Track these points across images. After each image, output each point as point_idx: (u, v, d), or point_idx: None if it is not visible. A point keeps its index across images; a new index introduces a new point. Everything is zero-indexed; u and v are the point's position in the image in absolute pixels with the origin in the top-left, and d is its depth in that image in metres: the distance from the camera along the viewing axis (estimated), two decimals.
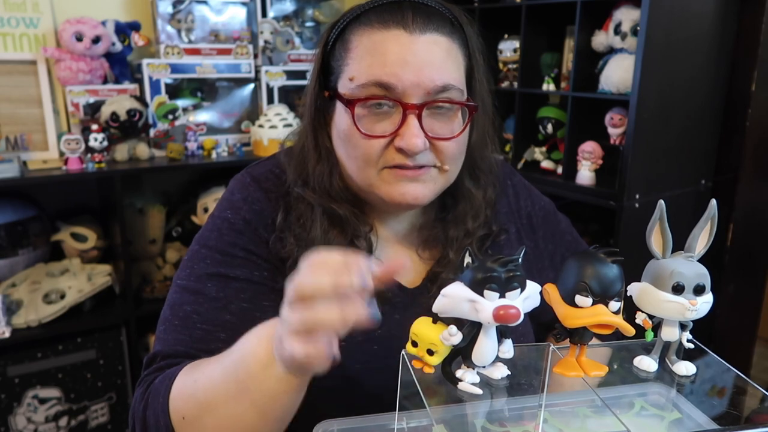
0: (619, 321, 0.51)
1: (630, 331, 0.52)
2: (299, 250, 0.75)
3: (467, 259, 0.50)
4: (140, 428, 0.70)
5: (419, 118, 0.71)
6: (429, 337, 0.52)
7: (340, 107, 0.75)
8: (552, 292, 0.54)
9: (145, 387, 0.71)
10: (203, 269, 0.77)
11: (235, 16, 2.01)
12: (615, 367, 0.58)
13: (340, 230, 0.78)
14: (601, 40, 1.67)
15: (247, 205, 0.79)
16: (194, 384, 0.66)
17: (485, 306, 0.48)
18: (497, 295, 0.49)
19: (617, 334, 0.52)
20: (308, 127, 0.80)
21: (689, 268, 0.53)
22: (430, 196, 0.76)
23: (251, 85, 2.05)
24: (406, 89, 0.70)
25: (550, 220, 0.94)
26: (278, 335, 0.56)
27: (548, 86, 1.83)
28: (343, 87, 0.74)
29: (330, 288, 0.52)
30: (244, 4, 2.00)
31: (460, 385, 0.52)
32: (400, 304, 0.80)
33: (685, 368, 0.56)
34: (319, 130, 0.79)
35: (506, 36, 1.96)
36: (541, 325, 0.91)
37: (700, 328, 0.56)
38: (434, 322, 0.52)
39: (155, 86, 1.85)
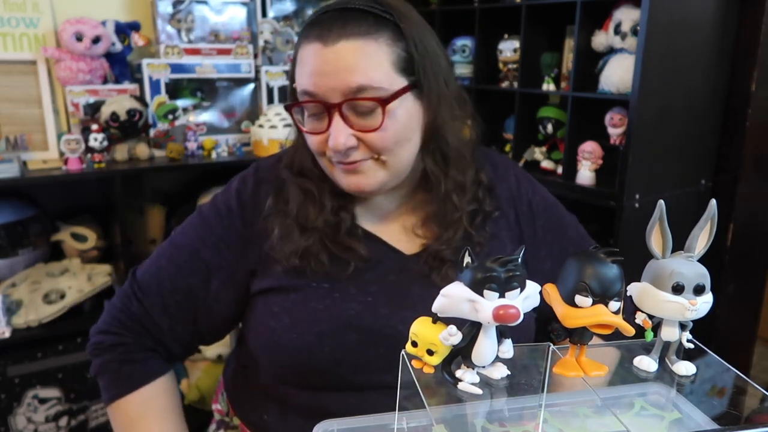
0: (619, 321, 0.51)
1: (630, 331, 0.52)
2: (282, 222, 0.88)
3: (467, 259, 0.50)
4: (96, 367, 0.93)
5: (342, 116, 0.79)
6: (429, 337, 0.52)
7: None
8: (552, 292, 0.54)
9: (123, 331, 0.92)
10: (187, 236, 0.93)
11: (235, 16, 2.01)
12: (615, 367, 0.58)
13: (312, 203, 0.88)
14: (601, 40, 1.66)
15: (237, 195, 0.92)
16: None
17: (485, 306, 0.48)
18: (497, 294, 0.49)
19: (617, 334, 0.52)
20: (292, 120, 0.90)
21: (689, 268, 0.53)
22: (376, 185, 0.84)
23: (251, 85, 2.05)
24: (325, 93, 0.79)
25: (552, 213, 0.98)
26: None
27: (548, 86, 1.83)
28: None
29: None
30: (244, 4, 2.00)
31: (460, 385, 0.52)
32: (395, 267, 0.89)
33: (685, 368, 0.56)
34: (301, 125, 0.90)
35: (506, 36, 1.96)
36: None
37: (700, 328, 0.56)
38: (434, 322, 0.52)
39: (155, 86, 1.85)
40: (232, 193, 0.93)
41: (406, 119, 0.82)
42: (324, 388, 0.87)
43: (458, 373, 0.52)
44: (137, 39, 1.84)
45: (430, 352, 0.52)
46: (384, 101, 0.79)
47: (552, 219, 0.97)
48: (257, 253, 0.89)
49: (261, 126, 1.91)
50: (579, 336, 0.53)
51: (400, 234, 0.92)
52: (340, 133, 0.79)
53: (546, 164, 1.89)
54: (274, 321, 0.86)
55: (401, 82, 0.80)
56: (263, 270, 0.89)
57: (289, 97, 0.89)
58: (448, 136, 0.87)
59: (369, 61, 0.78)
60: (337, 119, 0.79)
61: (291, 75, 0.87)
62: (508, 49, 1.94)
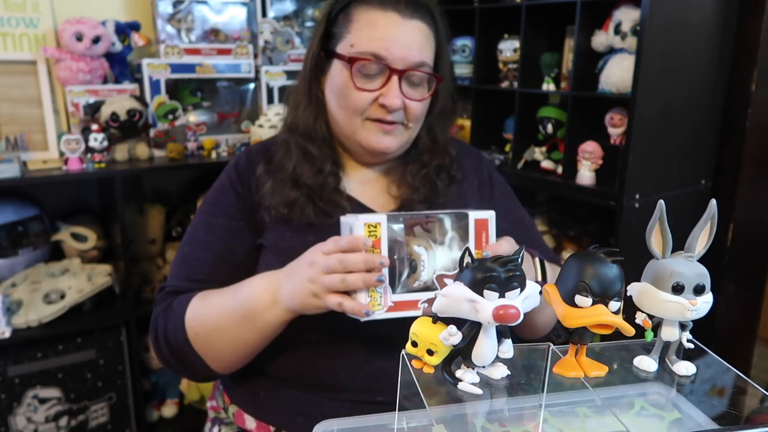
0: (619, 321, 0.51)
1: (630, 331, 0.52)
2: (274, 182, 0.98)
3: (467, 259, 0.50)
4: (162, 339, 0.94)
5: (400, 82, 0.94)
6: (429, 337, 0.52)
7: (337, 66, 0.97)
8: (552, 292, 0.54)
9: (164, 307, 0.96)
10: (199, 218, 1.03)
11: (235, 16, 2.01)
12: (615, 367, 0.58)
13: (311, 165, 0.98)
14: (601, 40, 1.66)
15: (235, 169, 1.05)
16: (205, 309, 0.92)
17: (485, 306, 0.48)
18: (497, 294, 0.49)
19: (617, 334, 0.52)
20: (304, 77, 1.02)
21: (689, 268, 0.53)
22: (397, 147, 0.99)
23: (251, 85, 2.05)
24: (393, 60, 0.93)
25: (507, 189, 1.14)
26: (291, 289, 0.83)
27: (548, 86, 1.83)
28: (344, 50, 0.95)
29: (359, 263, 0.79)
30: (244, 4, 2.00)
31: (460, 385, 0.52)
32: None
33: (685, 368, 0.56)
34: (313, 82, 1.01)
35: (506, 36, 1.96)
36: None
37: (700, 328, 0.56)
38: (434, 322, 0.52)
39: (155, 86, 1.85)
40: (229, 168, 1.06)
41: (428, 101, 1.00)
42: (307, 342, 0.93)
43: (458, 373, 0.53)
44: (137, 39, 1.84)
45: (430, 352, 0.52)
46: (440, 79, 0.98)
47: (508, 193, 1.14)
48: (255, 214, 1.00)
49: (261, 126, 1.91)
50: (579, 336, 0.53)
51: (378, 196, 1.04)
52: (397, 95, 0.93)
53: (546, 164, 1.89)
54: (267, 268, 0.94)
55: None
56: (260, 230, 1.00)
57: (317, 48, 0.99)
58: (441, 122, 1.06)
59: (428, 44, 0.97)
60: (395, 83, 0.93)
61: (328, 28, 0.98)
62: (508, 49, 1.94)
